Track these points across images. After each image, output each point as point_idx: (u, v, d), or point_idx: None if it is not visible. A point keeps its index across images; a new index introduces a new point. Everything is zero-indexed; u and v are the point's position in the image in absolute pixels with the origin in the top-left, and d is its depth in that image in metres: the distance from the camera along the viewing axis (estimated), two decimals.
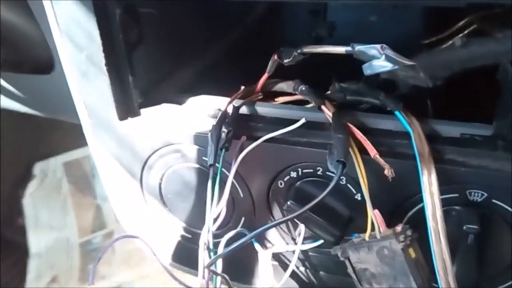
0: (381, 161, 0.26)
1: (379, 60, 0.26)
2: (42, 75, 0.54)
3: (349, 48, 0.27)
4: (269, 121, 0.32)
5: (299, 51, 0.31)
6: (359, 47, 0.27)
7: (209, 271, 0.25)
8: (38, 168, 1.27)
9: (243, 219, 0.34)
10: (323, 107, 0.30)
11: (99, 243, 1.13)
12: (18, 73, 0.56)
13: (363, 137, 0.27)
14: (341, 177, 0.30)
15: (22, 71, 0.56)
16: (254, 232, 0.24)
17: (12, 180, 1.20)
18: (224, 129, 0.29)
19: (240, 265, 0.35)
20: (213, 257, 0.27)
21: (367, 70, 0.26)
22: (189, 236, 0.36)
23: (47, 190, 1.26)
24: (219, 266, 0.28)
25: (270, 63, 0.35)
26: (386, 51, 0.25)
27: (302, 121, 0.30)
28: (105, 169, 0.37)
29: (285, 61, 0.32)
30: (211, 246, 0.27)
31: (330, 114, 0.29)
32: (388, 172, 0.25)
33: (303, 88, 0.32)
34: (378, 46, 0.26)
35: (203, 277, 0.26)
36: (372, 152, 0.26)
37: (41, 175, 1.28)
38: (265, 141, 0.30)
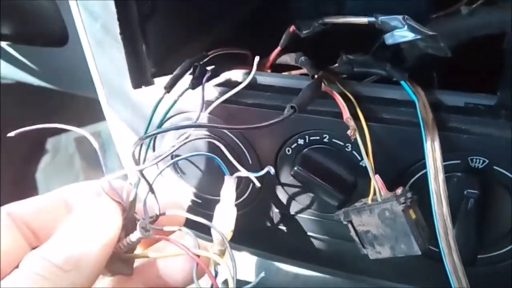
0: (350, 123, 0.27)
1: (401, 30, 0.26)
2: (56, 48, 0.55)
3: (371, 19, 0.28)
4: (276, 90, 0.33)
5: (320, 21, 0.32)
6: (382, 17, 0.27)
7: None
8: (50, 143, 1.29)
9: (251, 186, 0.35)
10: (316, 76, 0.31)
11: None
12: (32, 46, 0.58)
13: (341, 100, 0.28)
14: (347, 144, 0.31)
15: (36, 43, 0.57)
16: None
17: (25, 155, 1.22)
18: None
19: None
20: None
21: (389, 39, 0.27)
22: (200, 201, 0.38)
23: (59, 166, 1.29)
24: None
25: (284, 36, 0.35)
26: (408, 21, 0.26)
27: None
28: (119, 137, 0.38)
29: (304, 32, 0.33)
30: None
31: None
32: (350, 132, 0.27)
33: (303, 59, 0.33)
34: (400, 16, 0.27)
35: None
36: (345, 115, 0.28)
37: (53, 151, 1.30)
38: (275, 108, 0.31)
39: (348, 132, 0.28)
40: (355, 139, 0.28)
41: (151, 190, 0.27)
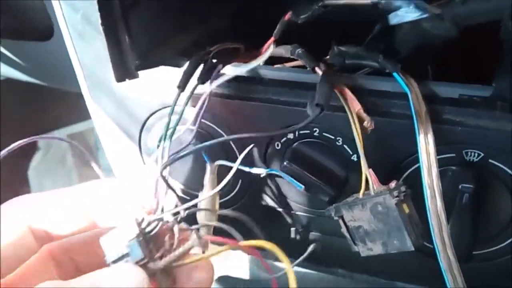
0: (363, 114, 0.26)
1: (407, 9, 0.25)
2: (41, 42, 0.53)
3: None
4: (268, 83, 0.32)
5: (320, 4, 0.30)
6: None
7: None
8: (42, 140, 1.28)
9: (240, 181, 0.34)
10: (316, 68, 0.30)
11: None
12: (18, 40, 0.56)
13: (349, 93, 0.27)
14: (338, 138, 0.30)
15: (22, 38, 0.56)
16: (200, 145, 0.27)
17: (17, 153, 1.21)
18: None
19: None
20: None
21: (394, 19, 0.26)
22: (188, 198, 0.37)
23: (51, 163, 1.27)
24: None
25: (278, 25, 0.34)
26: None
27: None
28: (104, 132, 0.37)
29: (302, 16, 0.31)
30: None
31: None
32: (368, 123, 0.26)
33: (300, 52, 0.32)
34: None
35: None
36: (357, 107, 0.26)
37: (45, 148, 1.29)
38: (263, 101, 0.30)
39: (365, 123, 0.26)
40: (346, 133, 0.27)
41: (176, 194, 0.26)
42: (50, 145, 1.28)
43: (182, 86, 0.30)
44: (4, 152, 0.27)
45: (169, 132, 0.28)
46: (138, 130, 0.35)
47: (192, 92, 0.30)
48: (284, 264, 0.23)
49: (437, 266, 0.26)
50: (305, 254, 0.25)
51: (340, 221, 0.29)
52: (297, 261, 0.25)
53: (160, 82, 0.33)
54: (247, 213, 0.36)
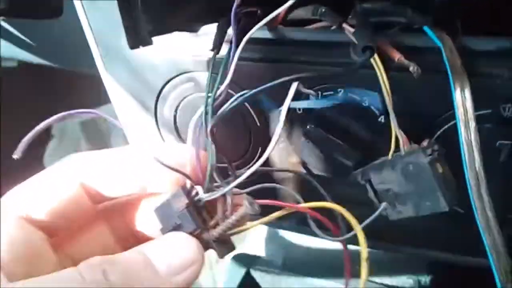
0: (405, 61, 0.24)
1: None
2: (51, 20, 0.52)
3: None
4: (294, 43, 0.30)
5: None
6: None
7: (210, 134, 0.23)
8: (56, 128, 1.28)
9: (260, 149, 0.33)
10: (344, 24, 0.28)
11: None
12: (27, 19, 0.55)
13: (385, 41, 0.25)
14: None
15: (31, 16, 0.55)
16: (250, 93, 0.25)
17: (32, 141, 1.21)
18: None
19: None
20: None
21: None
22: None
23: (66, 150, 1.28)
24: None
25: None
26: None
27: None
28: (119, 104, 0.36)
29: None
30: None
31: (351, 30, 0.27)
32: (413, 69, 0.24)
33: (323, 10, 0.30)
34: None
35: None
36: (396, 55, 0.24)
37: (59, 135, 1.29)
38: (282, 62, 0.29)
39: (411, 69, 0.25)
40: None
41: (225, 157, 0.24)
42: (64, 132, 1.29)
43: (217, 47, 0.29)
44: (33, 132, 0.27)
45: (215, 86, 0.26)
46: (154, 100, 0.34)
47: (228, 56, 0.27)
48: (353, 224, 0.22)
49: (470, 233, 0.24)
50: (376, 213, 0.24)
51: (367, 186, 0.27)
52: (366, 222, 0.24)
53: (174, 47, 0.32)
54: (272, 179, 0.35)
